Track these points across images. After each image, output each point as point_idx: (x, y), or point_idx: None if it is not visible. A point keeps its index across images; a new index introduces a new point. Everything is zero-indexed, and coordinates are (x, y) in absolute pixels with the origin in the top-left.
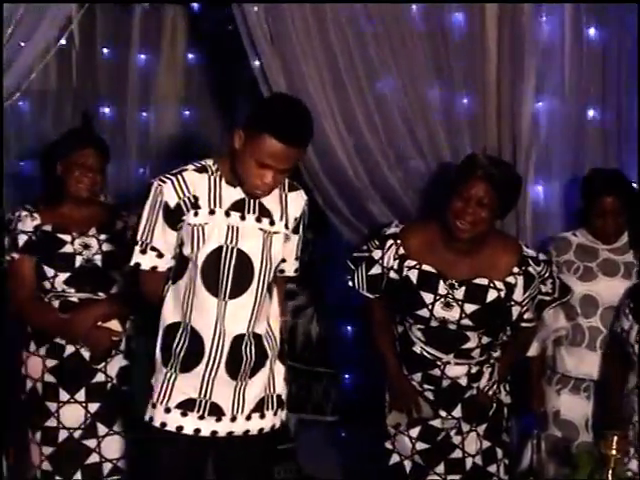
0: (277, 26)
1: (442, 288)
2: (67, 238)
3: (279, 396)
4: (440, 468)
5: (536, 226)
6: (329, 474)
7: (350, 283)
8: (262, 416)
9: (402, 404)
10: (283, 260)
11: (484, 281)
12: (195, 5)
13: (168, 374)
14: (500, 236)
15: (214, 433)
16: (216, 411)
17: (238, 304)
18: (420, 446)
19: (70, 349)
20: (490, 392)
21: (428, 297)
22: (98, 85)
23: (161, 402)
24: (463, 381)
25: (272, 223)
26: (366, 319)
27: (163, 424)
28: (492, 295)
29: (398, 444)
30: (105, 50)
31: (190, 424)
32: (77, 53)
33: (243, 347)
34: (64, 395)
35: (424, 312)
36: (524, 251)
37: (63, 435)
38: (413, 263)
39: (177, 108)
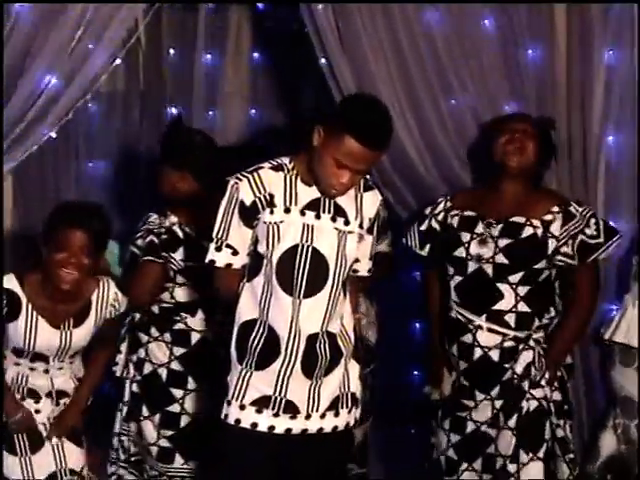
0: (346, 24)
1: (480, 227)
2: None
3: (353, 394)
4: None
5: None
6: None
7: (404, 240)
8: (337, 414)
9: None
10: (357, 260)
11: (521, 219)
12: (260, 5)
13: (243, 371)
14: (548, 190)
15: (288, 431)
16: (291, 409)
17: (312, 303)
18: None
19: None
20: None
21: (465, 236)
22: (165, 86)
23: (236, 399)
24: (495, 355)
25: (347, 223)
26: (424, 292)
27: (237, 421)
28: (527, 232)
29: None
30: (171, 51)
31: (265, 421)
32: (144, 54)
33: (317, 346)
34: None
35: (461, 251)
36: (568, 199)
37: (185, 420)
38: (456, 212)
39: (243, 108)
